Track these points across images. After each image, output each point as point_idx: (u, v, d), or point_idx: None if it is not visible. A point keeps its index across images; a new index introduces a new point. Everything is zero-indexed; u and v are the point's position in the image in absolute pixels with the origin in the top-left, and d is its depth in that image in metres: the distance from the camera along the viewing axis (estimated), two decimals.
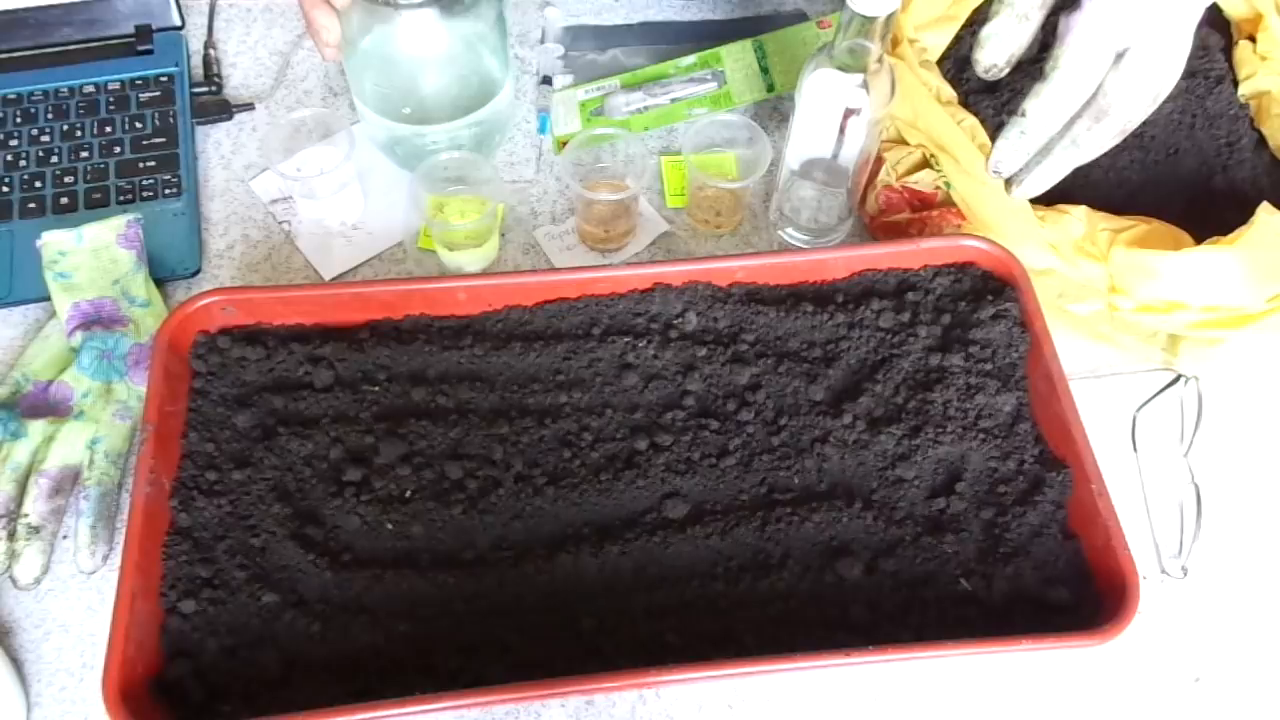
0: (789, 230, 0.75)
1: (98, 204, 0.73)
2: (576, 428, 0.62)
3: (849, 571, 0.58)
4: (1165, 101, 0.73)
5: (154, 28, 0.81)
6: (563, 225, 0.75)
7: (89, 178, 0.75)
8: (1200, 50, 0.76)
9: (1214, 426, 0.68)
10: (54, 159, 0.75)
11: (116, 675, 0.51)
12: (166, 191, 0.74)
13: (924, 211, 0.69)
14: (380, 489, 0.59)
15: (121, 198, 0.74)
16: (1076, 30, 0.51)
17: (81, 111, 0.77)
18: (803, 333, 0.65)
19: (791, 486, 0.60)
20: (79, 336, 0.65)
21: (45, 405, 0.64)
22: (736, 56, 0.81)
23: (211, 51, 0.82)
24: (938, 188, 0.69)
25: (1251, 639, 0.62)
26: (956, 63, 0.75)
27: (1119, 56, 0.51)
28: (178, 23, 0.82)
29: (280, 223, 0.75)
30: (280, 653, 0.55)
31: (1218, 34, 0.77)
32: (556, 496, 0.59)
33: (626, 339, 0.64)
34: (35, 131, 0.76)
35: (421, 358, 0.64)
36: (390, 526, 0.58)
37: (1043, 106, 0.53)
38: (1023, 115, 0.54)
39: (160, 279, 0.71)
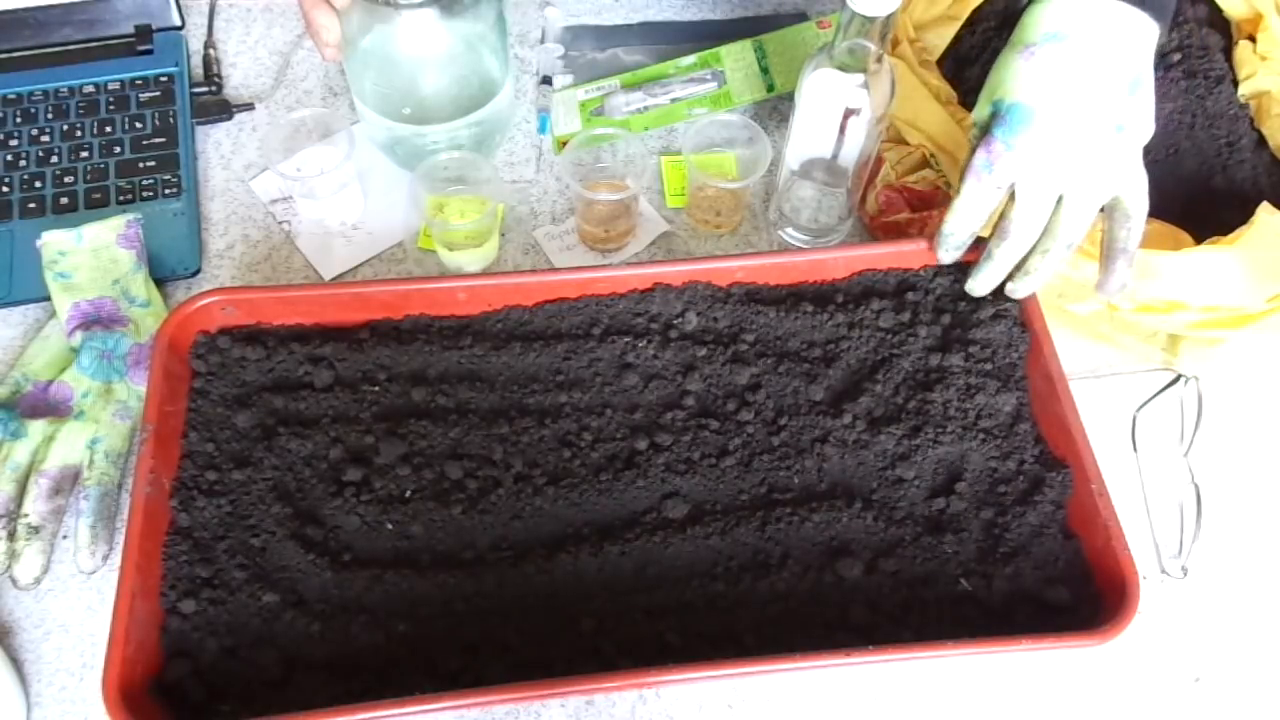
0: (789, 230, 0.75)
1: (98, 204, 0.73)
2: (576, 428, 0.62)
3: (849, 571, 0.58)
4: (1166, 102, 0.74)
5: (154, 28, 0.81)
6: (563, 225, 0.75)
7: (89, 178, 0.75)
8: (1200, 50, 0.76)
9: (1214, 426, 0.68)
10: (54, 159, 0.75)
11: (116, 675, 0.51)
12: (166, 191, 0.74)
13: (924, 211, 0.69)
14: (380, 489, 0.59)
15: (121, 198, 0.74)
16: (1019, 198, 0.57)
17: (81, 111, 0.77)
18: (803, 333, 0.65)
19: (791, 486, 0.60)
20: (79, 336, 0.65)
21: (45, 405, 0.64)
22: (736, 56, 0.81)
23: (211, 51, 0.82)
24: (938, 188, 0.69)
25: (1251, 639, 0.62)
26: (956, 63, 0.75)
27: (1059, 201, 0.57)
28: (178, 23, 0.82)
29: (280, 223, 0.75)
30: (280, 653, 0.55)
31: (1218, 34, 0.77)
32: (556, 496, 0.59)
33: (626, 339, 0.64)
34: (35, 131, 0.76)
35: (421, 358, 0.64)
36: (390, 526, 0.58)
37: (954, 222, 0.60)
38: (989, 258, 0.61)
39: (160, 279, 0.71)
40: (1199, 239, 0.63)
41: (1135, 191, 0.57)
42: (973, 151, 0.58)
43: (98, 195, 0.74)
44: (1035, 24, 0.56)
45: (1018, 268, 0.61)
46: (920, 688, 0.60)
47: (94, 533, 0.60)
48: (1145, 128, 0.57)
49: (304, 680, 0.54)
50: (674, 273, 0.66)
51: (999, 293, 0.63)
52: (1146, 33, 0.55)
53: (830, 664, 0.53)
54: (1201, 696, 0.61)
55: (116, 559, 0.58)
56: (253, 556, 0.57)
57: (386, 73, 0.70)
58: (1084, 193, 0.57)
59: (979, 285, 0.63)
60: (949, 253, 0.63)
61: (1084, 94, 0.55)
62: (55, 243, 0.69)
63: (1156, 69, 0.75)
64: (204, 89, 0.80)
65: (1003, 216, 0.59)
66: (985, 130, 0.58)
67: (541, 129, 0.79)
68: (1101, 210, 0.58)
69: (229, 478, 0.59)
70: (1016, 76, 0.56)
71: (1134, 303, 0.63)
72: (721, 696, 0.60)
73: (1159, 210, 0.66)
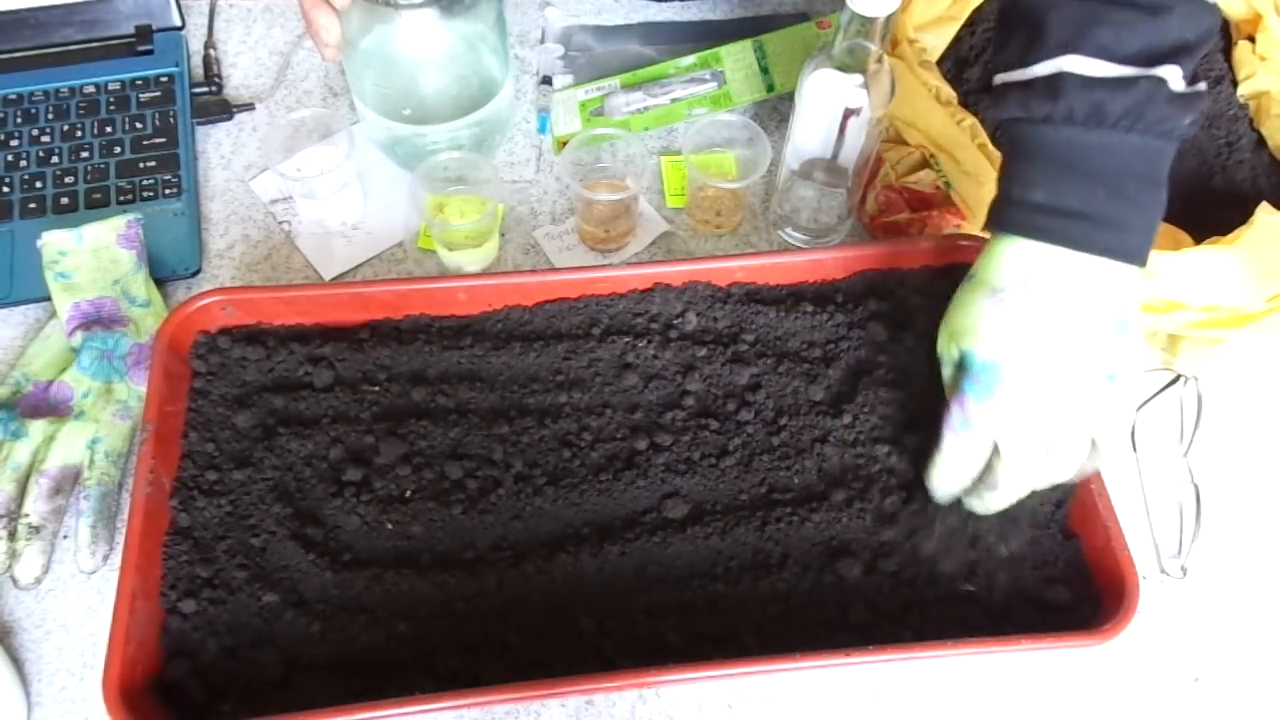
0: (789, 230, 0.75)
1: (98, 204, 0.73)
2: (576, 428, 0.62)
3: (849, 571, 0.58)
4: None
5: (154, 28, 0.81)
6: (563, 225, 0.75)
7: (89, 178, 0.75)
8: None
9: (1214, 426, 0.68)
10: (54, 159, 0.75)
11: (117, 675, 0.51)
12: (166, 191, 0.74)
13: (924, 211, 0.69)
14: (380, 489, 0.59)
15: (122, 198, 0.74)
16: (1004, 454, 0.53)
17: (82, 112, 0.77)
18: (803, 333, 0.65)
19: (791, 486, 0.60)
20: (79, 336, 0.65)
21: (45, 405, 0.64)
22: (736, 56, 0.81)
23: (211, 51, 0.82)
24: (937, 188, 0.69)
25: (1251, 639, 0.62)
26: (956, 63, 0.75)
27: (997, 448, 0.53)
28: (178, 23, 0.82)
29: (280, 223, 0.75)
30: (280, 653, 0.55)
31: (1217, 34, 0.77)
32: (556, 496, 0.59)
33: (626, 339, 0.64)
34: (36, 131, 0.76)
35: (421, 358, 0.64)
36: (390, 526, 0.58)
37: (940, 478, 0.56)
38: (979, 497, 0.56)
39: (160, 279, 0.71)
40: (1199, 239, 0.63)
41: (1114, 433, 0.54)
42: (949, 405, 0.54)
43: (98, 195, 0.74)
44: (1001, 267, 0.51)
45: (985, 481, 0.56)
46: (920, 688, 0.60)
47: (94, 533, 0.60)
48: (1136, 369, 0.52)
49: (304, 680, 0.54)
50: (674, 273, 0.66)
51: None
52: (1125, 274, 0.50)
53: (830, 664, 0.53)
54: (1201, 696, 0.61)
55: (117, 559, 0.58)
56: (253, 556, 0.57)
57: (386, 73, 0.70)
58: (1072, 443, 0.52)
59: (979, 509, 0.57)
60: (942, 500, 0.57)
61: (1065, 344, 0.51)
62: (55, 243, 0.69)
63: None
64: (204, 89, 0.80)
65: (989, 468, 0.54)
66: (956, 380, 0.54)
67: (541, 129, 0.79)
68: None
69: (229, 478, 0.59)
70: (984, 323, 0.52)
71: None
72: (721, 696, 0.60)
73: None
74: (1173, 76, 0.48)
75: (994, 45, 0.54)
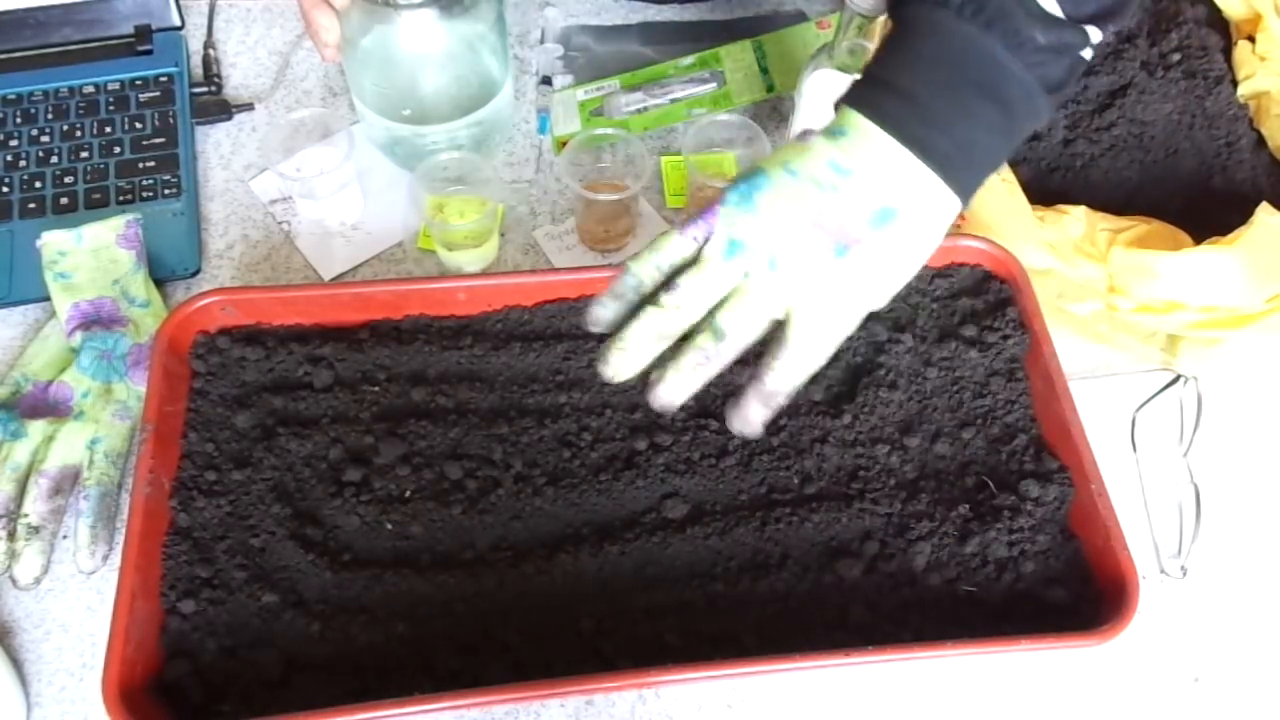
0: None
1: (98, 204, 0.73)
2: (576, 428, 0.62)
3: (849, 571, 0.58)
4: (1165, 102, 0.74)
5: (154, 28, 0.81)
6: (563, 225, 0.75)
7: (89, 178, 0.75)
8: (1199, 50, 0.76)
9: (1213, 426, 0.68)
10: (54, 159, 0.75)
11: (116, 675, 0.51)
12: (166, 191, 0.74)
13: None
14: (380, 489, 0.59)
15: (121, 198, 0.74)
16: (706, 254, 0.48)
17: (81, 112, 0.77)
18: None
19: (791, 486, 0.60)
20: (79, 337, 0.65)
21: (45, 405, 0.64)
22: (736, 57, 0.81)
23: (211, 51, 0.82)
24: None
25: (1251, 639, 0.62)
26: None
27: (740, 282, 0.48)
28: (177, 23, 0.82)
29: (280, 223, 0.75)
30: (280, 653, 0.55)
31: (1217, 34, 0.77)
32: (556, 496, 0.59)
33: None
34: (35, 132, 0.76)
35: (421, 358, 0.64)
36: (390, 526, 0.58)
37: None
38: (639, 319, 0.48)
39: (160, 279, 0.71)
40: (1198, 239, 0.63)
41: (812, 322, 0.48)
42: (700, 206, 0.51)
43: (98, 195, 0.74)
44: (829, 121, 0.49)
45: (668, 359, 0.49)
46: (920, 688, 0.60)
47: (94, 533, 0.60)
48: (879, 273, 0.48)
49: (304, 680, 0.54)
50: None
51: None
52: (928, 182, 0.47)
53: (830, 664, 0.53)
54: (1201, 696, 0.61)
55: (116, 559, 0.58)
56: (252, 556, 0.57)
57: (386, 73, 0.70)
58: (762, 285, 0.48)
59: (613, 357, 0.49)
60: (607, 304, 0.49)
61: (821, 192, 0.47)
62: (55, 243, 0.69)
63: (1156, 70, 0.75)
64: (204, 89, 0.80)
65: (678, 273, 0.48)
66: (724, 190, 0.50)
67: (541, 129, 0.79)
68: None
69: (229, 478, 0.59)
70: (781, 151, 0.49)
71: (1134, 302, 0.63)
72: (721, 696, 0.60)
73: (1158, 210, 0.66)
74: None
75: None
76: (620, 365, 0.49)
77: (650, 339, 0.48)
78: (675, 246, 0.49)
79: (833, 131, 0.48)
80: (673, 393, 0.49)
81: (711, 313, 0.48)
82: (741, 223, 0.48)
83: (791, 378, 0.49)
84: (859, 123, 0.48)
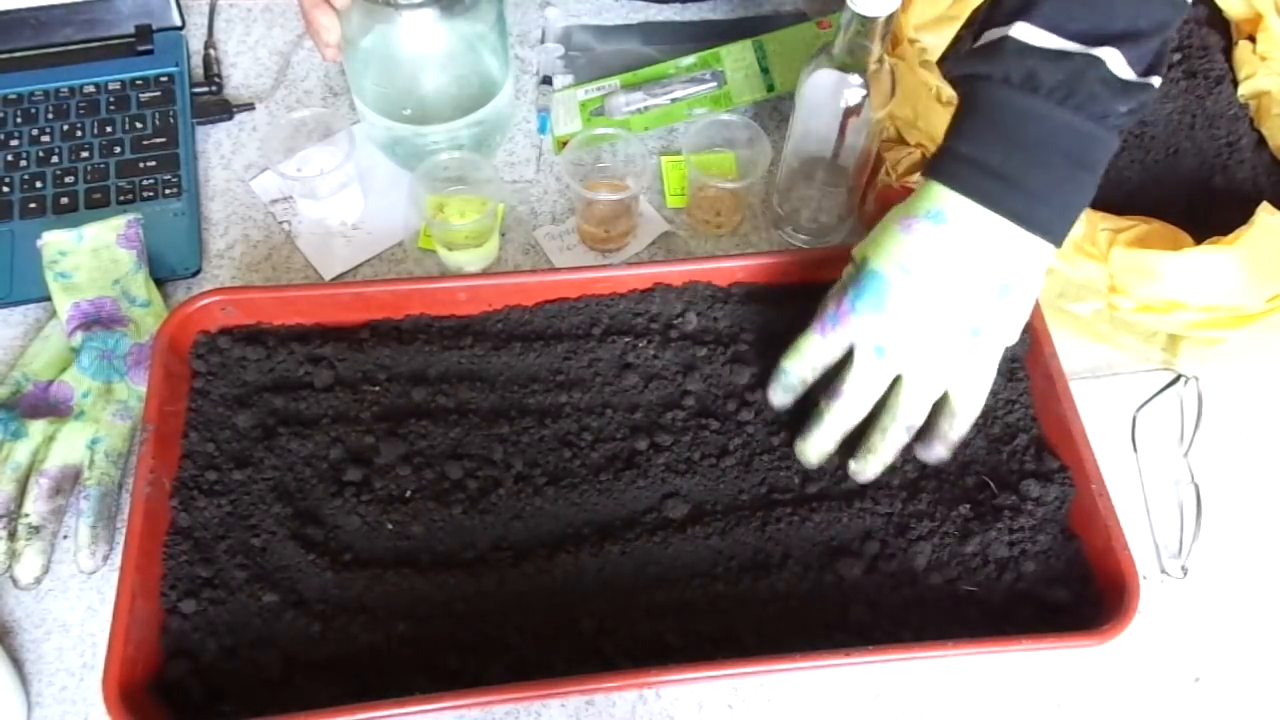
0: (789, 230, 0.75)
1: (98, 204, 0.73)
2: (576, 428, 0.62)
3: (849, 571, 0.58)
4: (1166, 102, 0.74)
5: (154, 28, 0.81)
6: (563, 225, 0.75)
7: (89, 178, 0.75)
8: (1200, 50, 0.76)
9: (1214, 426, 0.68)
10: (54, 159, 0.75)
11: (117, 675, 0.51)
12: (166, 191, 0.74)
13: None
14: (380, 489, 0.59)
15: (122, 198, 0.74)
16: (855, 363, 0.55)
17: (82, 111, 0.77)
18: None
19: (792, 486, 0.60)
20: (79, 336, 0.65)
21: (45, 405, 0.64)
22: (736, 56, 0.81)
23: (211, 51, 0.82)
24: None
25: (1251, 639, 0.62)
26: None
27: (898, 380, 0.56)
28: (178, 23, 0.82)
29: (280, 223, 0.75)
30: (280, 653, 0.55)
31: (1217, 34, 0.77)
32: (556, 496, 0.59)
33: (626, 339, 0.64)
34: (36, 131, 0.76)
35: (422, 358, 0.64)
36: (390, 526, 0.58)
37: (791, 365, 0.59)
38: (819, 416, 0.58)
39: (160, 279, 0.71)
40: (1199, 239, 0.63)
41: (970, 393, 0.56)
42: (827, 299, 0.57)
43: (98, 195, 0.74)
44: (924, 198, 0.54)
45: (862, 445, 0.58)
46: (920, 688, 0.60)
47: (94, 533, 0.60)
48: (1008, 334, 0.55)
49: (304, 680, 0.54)
50: (674, 273, 0.66)
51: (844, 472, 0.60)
52: (1027, 243, 0.52)
53: (830, 664, 0.53)
54: (1201, 696, 0.61)
55: (116, 559, 0.58)
56: (253, 556, 0.57)
57: (386, 73, 0.70)
58: (920, 381, 0.55)
59: (809, 448, 0.59)
60: (779, 394, 0.60)
61: (946, 286, 0.53)
62: (56, 243, 0.69)
63: None
64: (204, 89, 0.80)
65: (839, 376, 0.57)
66: (843, 284, 0.57)
67: (541, 129, 0.79)
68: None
69: (229, 478, 0.59)
70: (886, 241, 0.54)
71: (1135, 302, 0.63)
72: (721, 696, 0.60)
73: (1159, 210, 0.66)
74: (1113, 59, 0.50)
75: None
76: (814, 457, 0.59)
77: (832, 437, 0.58)
78: (819, 349, 0.57)
79: (932, 215, 0.53)
80: (874, 471, 0.58)
81: (884, 403, 0.56)
82: (879, 329, 0.54)
83: (964, 429, 0.58)
84: (959, 203, 0.52)
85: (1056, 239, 0.52)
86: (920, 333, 0.54)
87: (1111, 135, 0.51)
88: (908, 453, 0.61)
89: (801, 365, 0.58)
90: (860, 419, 0.57)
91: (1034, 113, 0.51)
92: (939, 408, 0.57)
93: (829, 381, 0.58)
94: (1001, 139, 0.52)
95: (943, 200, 0.53)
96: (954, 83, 0.57)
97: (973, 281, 0.53)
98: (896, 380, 0.56)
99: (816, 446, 0.58)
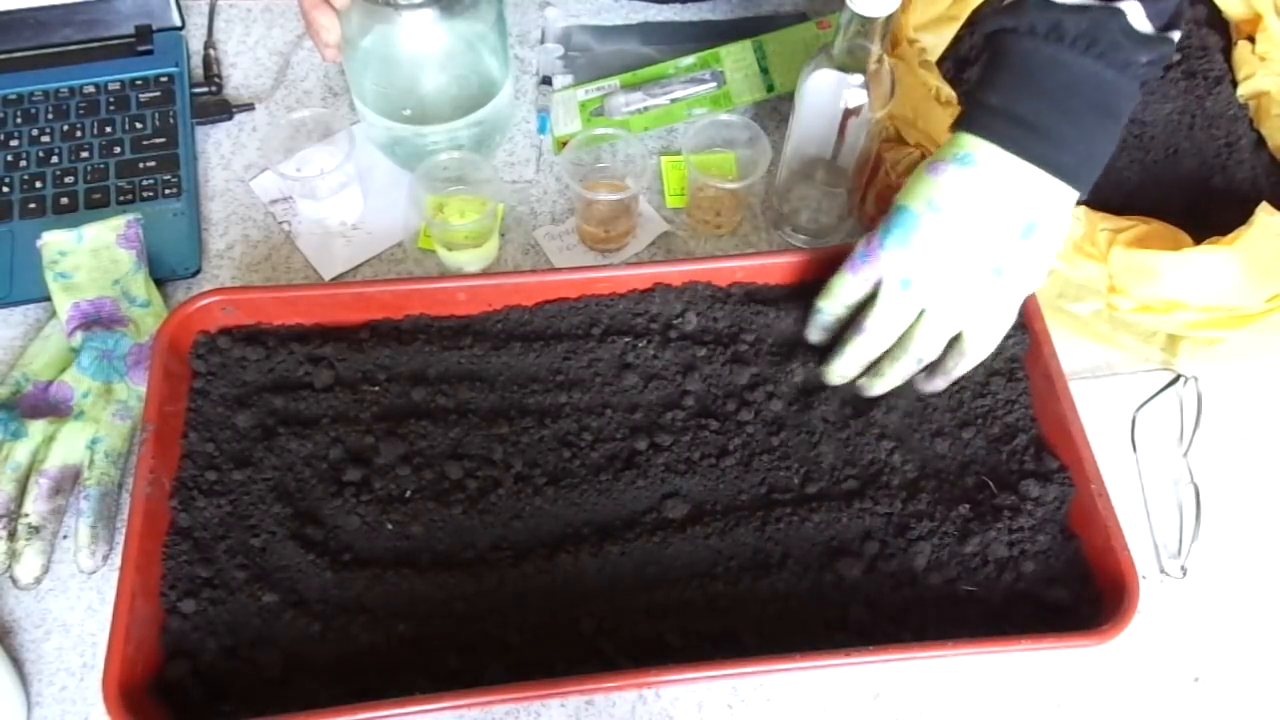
0: (788, 230, 0.75)
1: (98, 204, 0.73)
2: (576, 428, 0.62)
3: (849, 571, 0.58)
4: (1165, 102, 0.74)
5: (154, 28, 0.81)
6: (563, 225, 0.75)
7: (89, 178, 0.75)
8: (1199, 51, 0.76)
9: (1213, 426, 0.68)
10: (54, 159, 0.75)
11: (117, 675, 0.51)
12: (166, 191, 0.74)
13: None
14: (380, 489, 0.59)
15: (121, 198, 0.74)
16: (879, 299, 0.58)
17: (82, 112, 0.77)
18: (803, 333, 0.65)
19: (791, 486, 0.60)
20: (79, 336, 0.65)
21: (45, 405, 0.64)
22: (736, 57, 0.81)
23: (211, 52, 0.82)
24: None
25: (1251, 639, 0.62)
26: (956, 63, 0.75)
27: (920, 315, 0.58)
28: (178, 23, 0.82)
29: (280, 223, 0.75)
30: (280, 653, 0.55)
31: (1217, 35, 0.77)
32: (556, 496, 0.59)
33: (626, 339, 0.64)
34: (35, 132, 0.76)
35: (421, 358, 0.64)
36: (390, 526, 0.58)
37: (825, 304, 0.61)
38: (842, 347, 0.61)
39: (160, 279, 0.71)
40: (1198, 239, 0.63)
41: (985, 334, 0.58)
42: (858, 241, 0.59)
43: (98, 195, 0.74)
44: (952, 144, 0.56)
45: (873, 367, 0.61)
46: (920, 688, 0.60)
47: (94, 533, 0.60)
48: (1030, 278, 0.57)
49: (304, 680, 0.54)
50: (674, 273, 0.66)
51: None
52: (1053, 187, 0.54)
53: (830, 664, 0.53)
54: (1201, 696, 0.61)
55: (116, 559, 0.58)
56: (253, 556, 0.57)
57: (386, 73, 0.70)
58: (940, 316, 0.57)
59: (832, 374, 0.62)
60: (815, 331, 0.62)
61: (971, 224, 0.55)
62: (55, 243, 0.69)
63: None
64: (204, 89, 0.80)
65: (862, 311, 0.59)
66: (874, 226, 0.59)
67: (541, 129, 0.79)
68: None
69: (229, 478, 0.59)
70: (916, 185, 0.57)
71: (1134, 302, 0.63)
72: (721, 696, 0.60)
73: (1158, 210, 0.66)
74: (1133, 12, 0.52)
75: None
76: (836, 380, 0.62)
77: (856, 364, 0.61)
78: (850, 286, 0.59)
79: (960, 159, 0.55)
80: (879, 391, 0.61)
81: (902, 338, 0.59)
82: (905, 263, 0.56)
83: (968, 368, 0.60)
84: (987, 150, 0.54)
85: (1081, 185, 0.54)
86: (945, 268, 0.56)
87: (1133, 85, 0.53)
88: (907, 453, 0.61)
89: (834, 303, 0.60)
90: (884, 349, 0.60)
91: (1059, 61, 0.53)
92: (951, 344, 0.59)
93: (857, 315, 0.60)
94: (1028, 88, 0.54)
95: (971, 146, 0.55)
96: (985, 40, 0.59)
97: (997, 221, 0.55)
98: (919, 315, 0.58)
99: (839, 371, 0.61)
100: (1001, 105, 0.54)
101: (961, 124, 0.56)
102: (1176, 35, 0.54)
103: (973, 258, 0.55)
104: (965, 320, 0.57)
